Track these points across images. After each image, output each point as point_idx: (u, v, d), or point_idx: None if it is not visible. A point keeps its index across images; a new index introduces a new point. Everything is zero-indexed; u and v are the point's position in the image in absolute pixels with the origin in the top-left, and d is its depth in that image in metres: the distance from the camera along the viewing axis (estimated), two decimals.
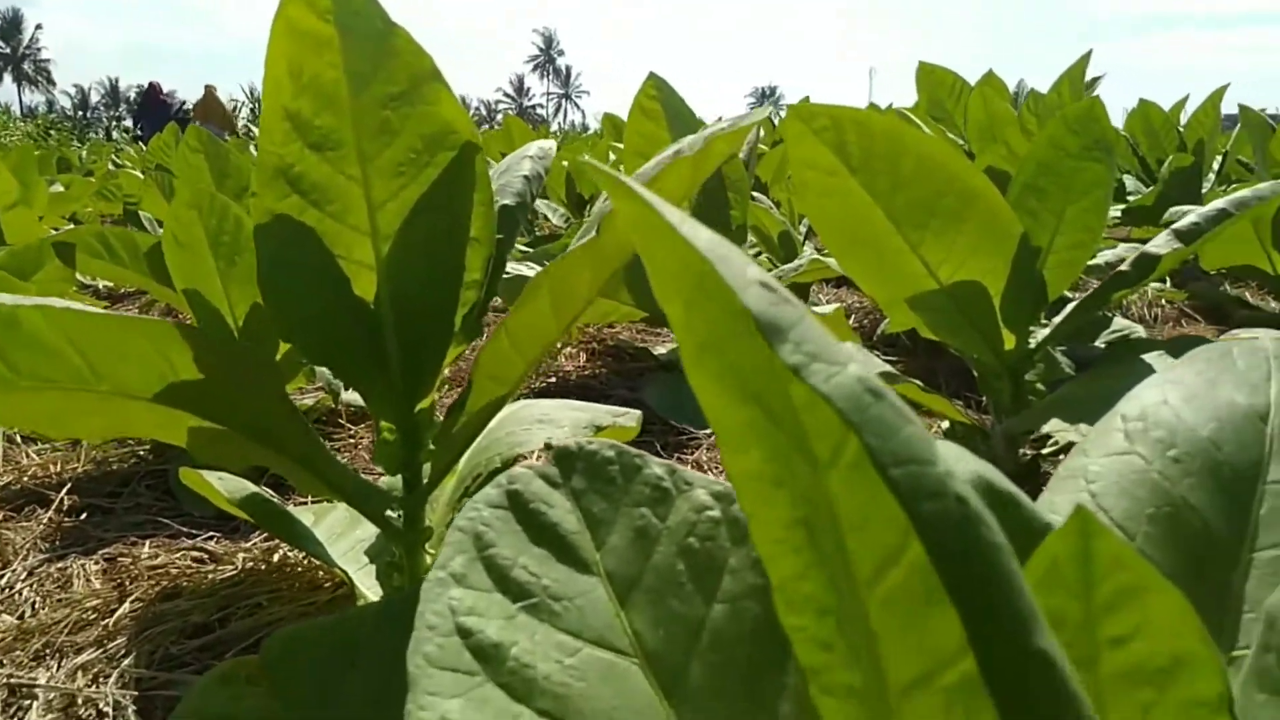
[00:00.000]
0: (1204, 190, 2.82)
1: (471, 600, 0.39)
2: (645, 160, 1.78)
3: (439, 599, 0.38)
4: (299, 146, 0.72)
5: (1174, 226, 1.05)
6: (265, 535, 1.07)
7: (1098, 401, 0.97)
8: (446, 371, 0.83)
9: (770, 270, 1.96)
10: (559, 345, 1.97)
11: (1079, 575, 0.26)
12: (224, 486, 0.85)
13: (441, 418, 0.79)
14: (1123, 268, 1.08)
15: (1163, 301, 2.36)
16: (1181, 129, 3.24)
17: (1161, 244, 1.05)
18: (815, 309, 1.74)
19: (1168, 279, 2.62)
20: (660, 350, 1.91)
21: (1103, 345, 1.43)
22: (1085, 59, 2.04)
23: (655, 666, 0.39)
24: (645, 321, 1.91)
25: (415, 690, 0.35)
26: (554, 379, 1.76)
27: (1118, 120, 3.78)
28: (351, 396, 1.54)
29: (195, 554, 1.03)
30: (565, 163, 3.71)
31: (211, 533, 1.09)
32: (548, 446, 0.45)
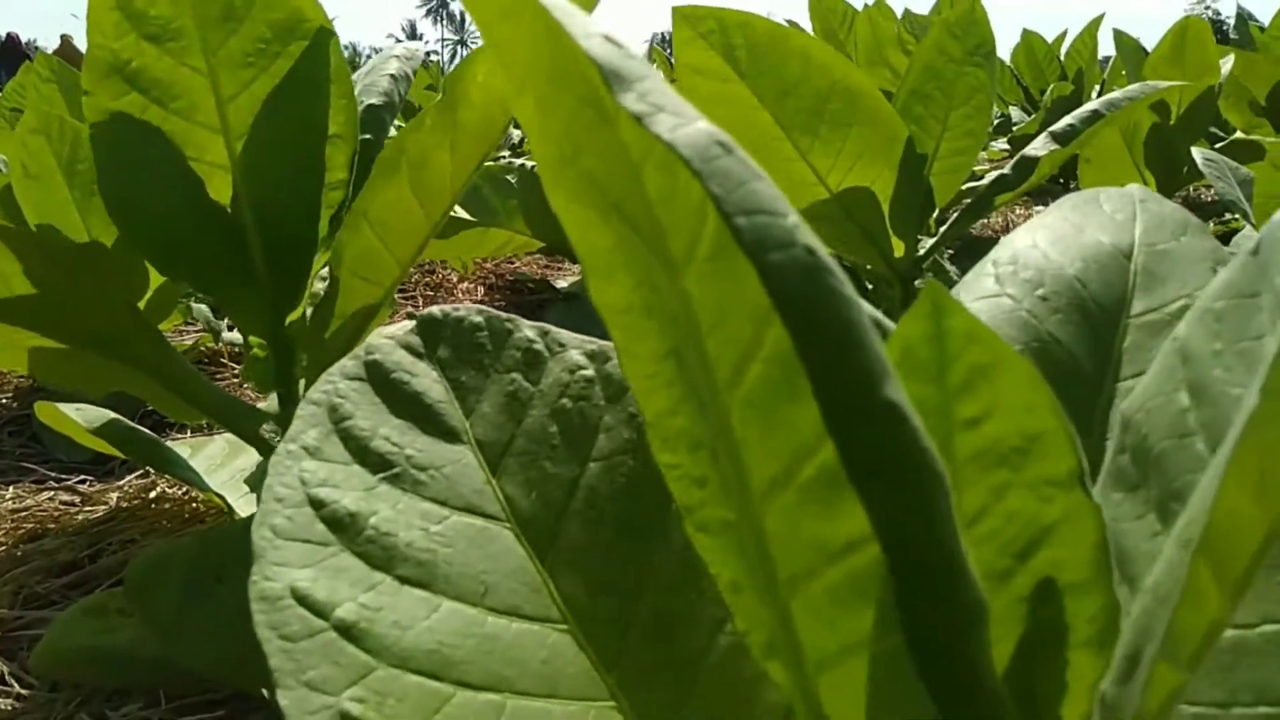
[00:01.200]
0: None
1: (326, 472, 0.36)
2: None
3: (288, 472, 0.35)
4: (134, 39, 0.65)
5: (1050, 129, 1.08)
6: (141, 473, 1.01)
7: None
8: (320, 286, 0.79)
9: None
10: (456, 280, 1.91)
11: (933, 355, 0.25)
12: (82, 417, 0.79)
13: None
14: (1004, 171, 1.10)
15: None
16: (1062, 59, 3.34)
17: (1040, 146, 1.08)
18: None
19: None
20: (562, 283, 1.88)
21: None
22: None
23: (528, 529, 0.37)
24: (544, 253, 1.87)
25: (261, 563, 0.32)
26: None
27: (1005, 55, 3.87)
28: (235, 336, 1.46)
29: (64, 496, 0.97)
30: None
31: (83, 476, 1.02)
32: (410, 316, 0.42)
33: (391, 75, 0.83)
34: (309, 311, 0.75)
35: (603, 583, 0.37)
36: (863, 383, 0.21)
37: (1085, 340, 0.39)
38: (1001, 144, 3.38)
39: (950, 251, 1.36)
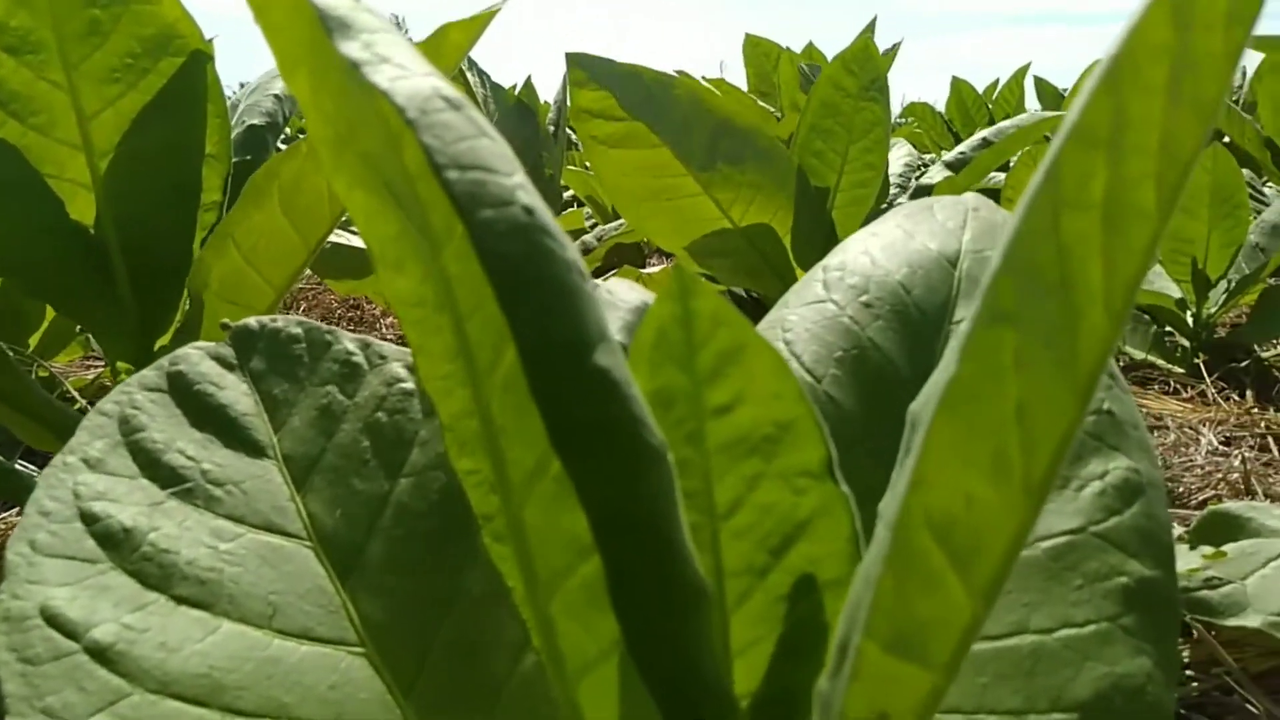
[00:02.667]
0: (1011, 162, 3.00)
1: (105, 485, 0.34)
2: None
3: (61, 485, 0.33)
4: None
5: (944, 158, 1.10)
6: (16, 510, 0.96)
7: None
8: None
9: (591, 231, 1.94)
10: (380, 313, 1.88)
11: (683, 339, 0.24)
12: None
13: None
14: (900, 200, 1.12)
15: None
16: (990, 106, 3.44)
17: (935, 174, 1.10)
18: (644, 270, 1.74)
19: None
20: None
21: None
22: (871, 24, 2.14)
23: (330, 548, 0.36)
24: None
25: (11, 580, 0.30)
26: None
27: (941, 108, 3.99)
28: None
29: None
30: None
31: None
32: (225, 326, 0.40)
33: (276, 95, 0.82)
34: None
35: (407, 603, 0.35)
36: (571, 347, 0.20)
37: (906, 346, 0.39)
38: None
39: None
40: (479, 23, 0.64)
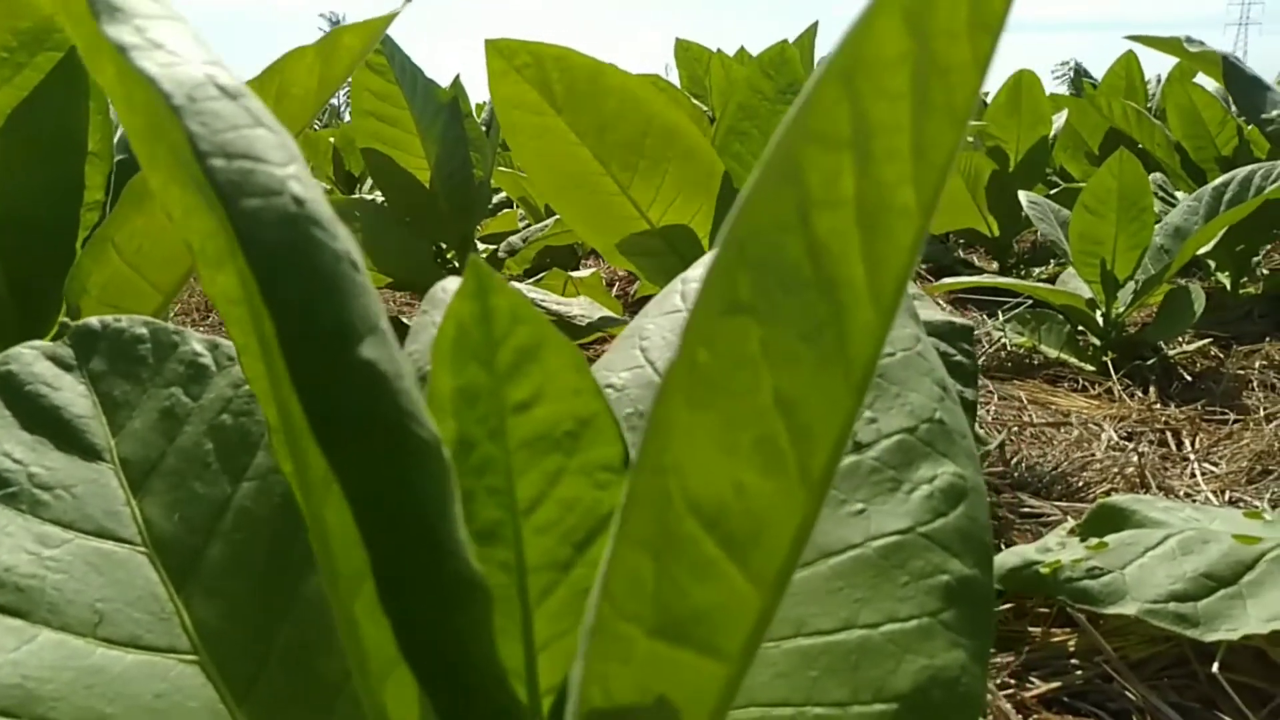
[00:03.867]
0: None
1: None
2: (376, 120, 1.68)
3: None
4: None
5: None
6: None
7: None
8: None
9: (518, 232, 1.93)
10: None
11: (483, 336, 0.24)
12: None
13: None
14: None
15: None
16: None
17: None
18: (574, 274, 1.73)
19: None
20: (410, 320, 1.84)
21: None
22: (813, 28, 2.17)
23: (166, 553, 0.35)
24: (393, 289, 1.83)
25: None
26: None
27: None
28: None
29: None
30: (332, 139, 3.52)
31: None
32: (64, 326, 0.39)
33: None
34: None
35: (245, 608, 0.34)
36: (336, 338, 0.20)
37: None
38: None
39: None
40: (374, 27, 0.64)
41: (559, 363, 0.24)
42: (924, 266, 2.54)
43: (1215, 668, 0.64)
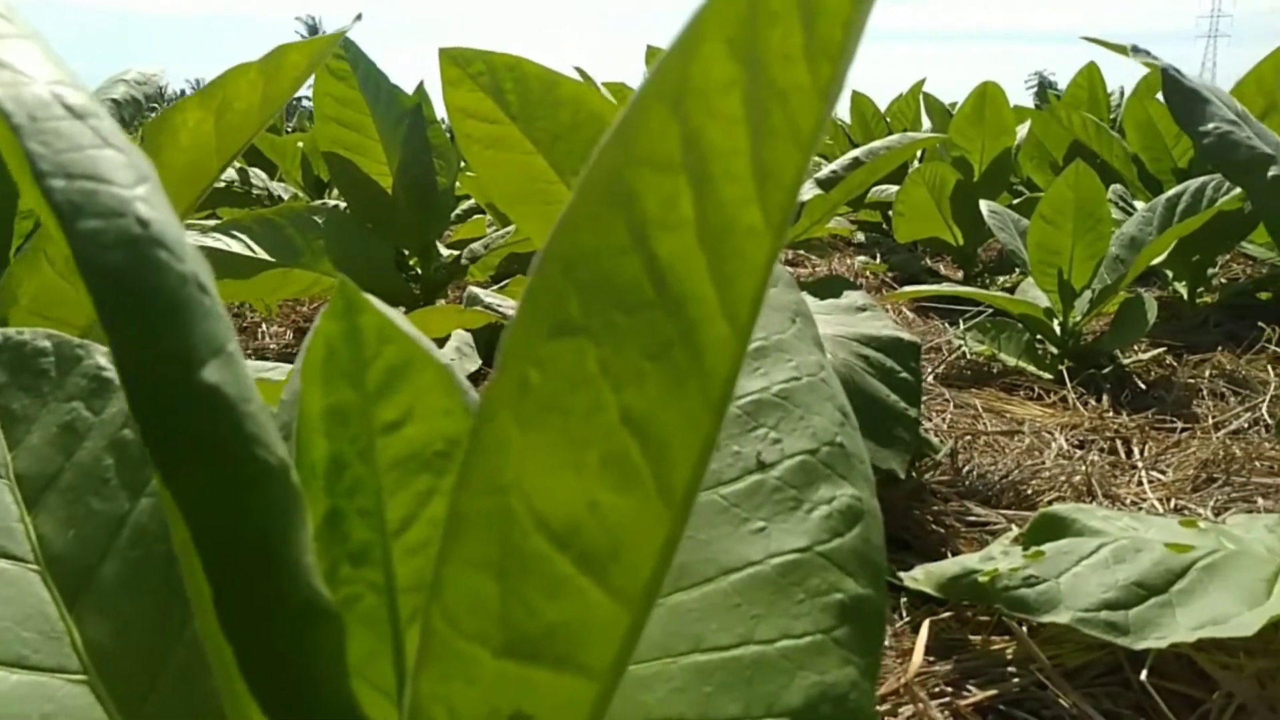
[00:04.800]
0: (909, 171, 3.08)
1: None
2: (338, 125, 1.68)
3: None
4: None
5: (815, 176, 1.12)
6: None
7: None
8: None
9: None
10: (259, 321, 1.83)
11: (351, 355, 0.24)
12: None
13: None
14: None
15: (867, 273, 2.56)
16: (889, 121, 3.54)
17: (805, 192, 1.12)
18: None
19: (878, 255, 2.86)
20: None
21: None
22: None
23: (58, 571, 0.34)
24: None
25: None
26: (250, 354, 1.63)
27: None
28: None
29: None
30: (300, 144, 3.50)
31: None
32: None
33: (115, 100, 0.79)
34: None
35: (139, 627, 0.34)
36: (177, 362, 0.20)
37: None
38: None
39: None
40: (320, 45, 0.63)
41: (428, 382, 0.24)
42: (890, 275, 2.56)
43: (1145, 675, 0.65)
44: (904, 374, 0.92)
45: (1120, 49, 0.72)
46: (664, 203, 0.19)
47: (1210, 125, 0.66)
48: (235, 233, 1.60)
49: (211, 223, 1.84)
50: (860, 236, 3.20)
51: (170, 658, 0.33)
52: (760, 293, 0.22)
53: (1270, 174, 0.64)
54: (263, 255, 1.56)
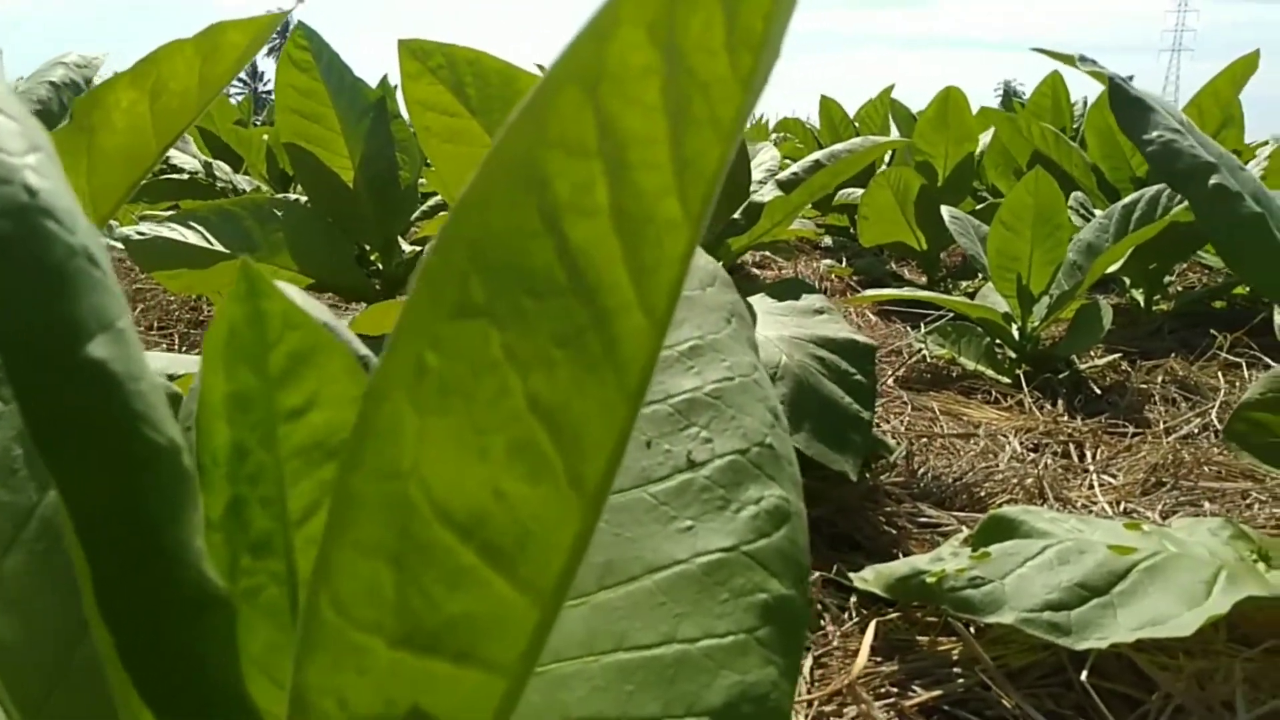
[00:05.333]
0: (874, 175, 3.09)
1: None
2: (300, 116, 1.66)
3: None
4: None
5: (776, 178, 1.12)
6: None
7: None
8: None
9: None
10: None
11: (255, 340, 0.23)
12: None
13: None
14: (734, 216, 1.14)
15: (833, 276, 2.58)
16: (858, 125, 3.57)
17: (765, 193, 1.12)
18: None
19: (844, 259, 2.87)
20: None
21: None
22: None
23: None
24: (314, 290, 1.79)
25: None
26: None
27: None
28: None
29: None
30: (265, 137, 3.45)
31: None
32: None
33: (53, 83, 0.77)
34: None
35: (42, 623, 0.33)
36: (61, 336, 0.19)
37: None
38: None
39: None
40: (261, 24, 0.62)
41: (335, 369, 0.24)
42: (855, 278, 2.58)
43: (1085, 676, 0.66)
44: (858, 376, 0.93)
45: (1069, 59, 0.73)
46: (578, 188, 0.19)
47: (1154, 134, 0.67)
48: (192, 223, 1.57)
49: (168, 213, 1.81)
50: (828, 240, 3.22)
51: (74, 656, 0.32)
52: (679, 285, 0.22)
53: (1211, 182, 0.65)
54: (218, 247, 1.53)
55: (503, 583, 0.22)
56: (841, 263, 2.75)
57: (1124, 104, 0.70)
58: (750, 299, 1.10)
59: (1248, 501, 1.03)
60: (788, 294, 1.10)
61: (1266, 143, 2.95)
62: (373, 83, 1.79)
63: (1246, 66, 2.07)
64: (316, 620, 0.19)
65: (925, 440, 1.20)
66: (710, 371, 0.40)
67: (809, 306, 1.04)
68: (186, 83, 0.63)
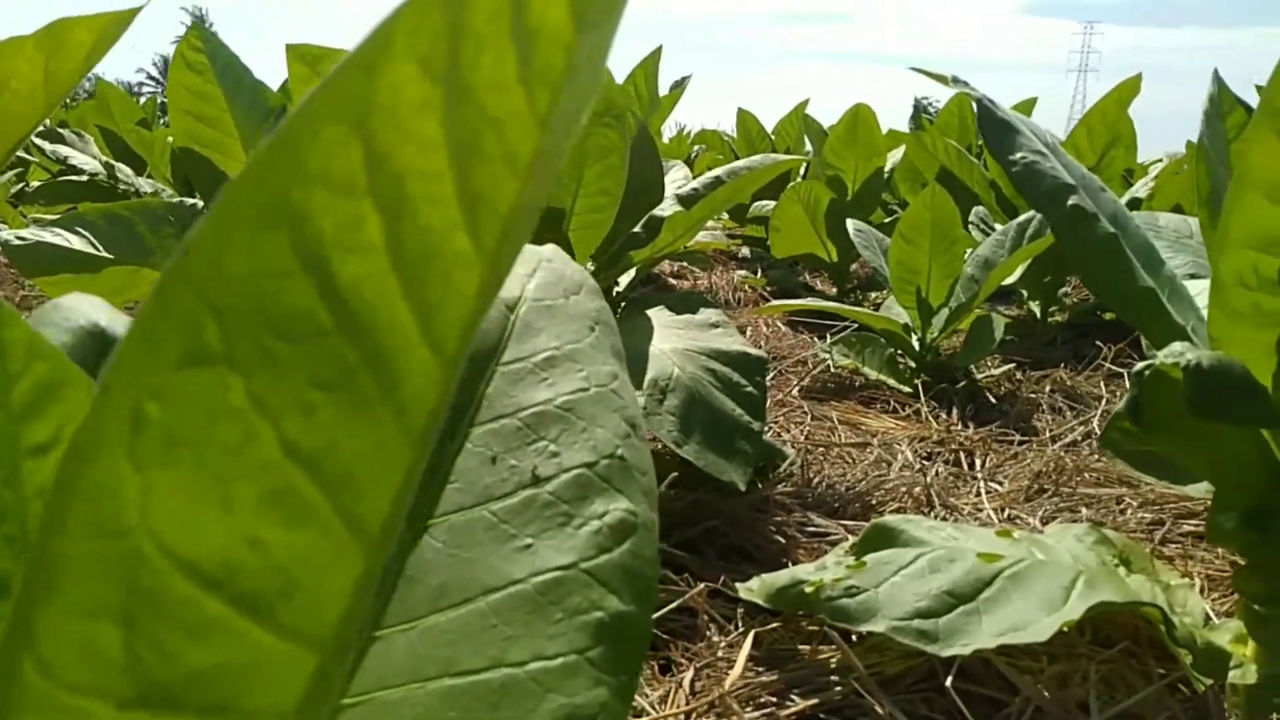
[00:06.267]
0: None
1: None
2: (194, 119, 1.61)
3: None
4: None
5: (676, 193, 1.13)
6: None
7: None
8: None
9: None
10: None
11: None
12: None
13: None
14: (635, 230, 1.14)
15: (746, 286, 2.61)
16: (773, 138, 3.63)
17: (666, 207, 1.13)
18: None
19: (759, 270, 2.91)
20: None
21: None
22: (657, 52, 2.22)
23: None
24: None
25: None
26: None
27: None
28: None
29: None
30: (170, 139, 3.33)
31: None
32: None
33: None
34: None
35: None
36: None
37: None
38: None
39: None
40: (107, 21, 0.60)
41: (82, 403, 0.23)
42: (769, 289, 2.62)
43: (950, 681, 0.68)
44: (749, 388, 0.94)
45: (942, 79, 0.75)
46: (345, 226, 0.19)
47: (1018, 155, 0.69)
48: (79, 228, 1.51)
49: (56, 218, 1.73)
50: (745, 251, 3.26)
51: None
52: (473, 320, 0.22)
53: (1070, 203, 0.68)
54: (104, 253, 1.48)
55: (260, 631, 0.21)
56: (756, 274, 2.79)
57: (990, 125, 0.73)
58: (649, 311, 1.11)
59: (1121, 507, 1.08)
60: (685, 307, 1.11)
61: (1160, 160, 3.10)
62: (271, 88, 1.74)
63: (1131, 88, 2.17)
64: (18, 685, 0.18)
65: (822, 450, 1.22)
66: (564, 383, 0.40)
67: (705, 320, 1.05)
68: (30, 80, 0.60)
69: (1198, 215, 0.75)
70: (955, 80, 0.77)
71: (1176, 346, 0.58)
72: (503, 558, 0.34)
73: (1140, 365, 0.60)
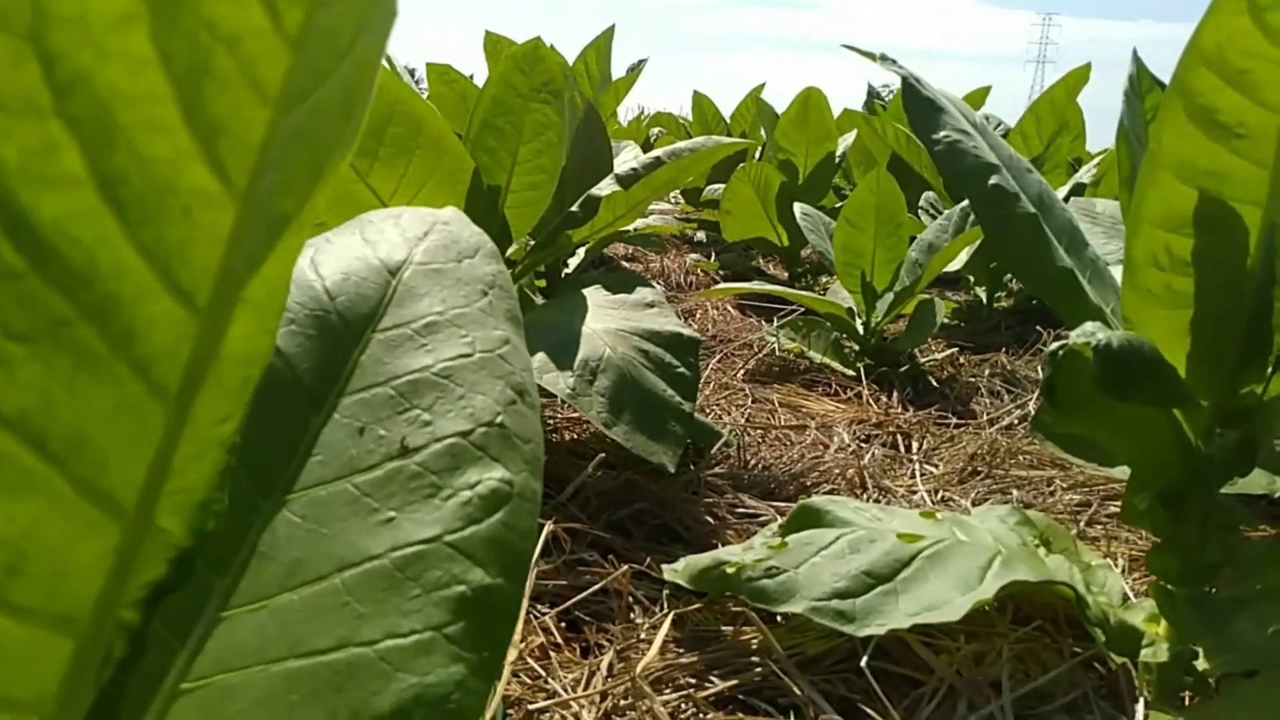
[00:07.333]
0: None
1: None
2: None
3: None
4: None
5: (615, 173, 1.12)
6: None
7: (548, 327, 1.00)
8: None
9: None
10: None
11: None
12: None
13: None
14: (572, 209, 1.12)
15: (699, 270, 2.60)
16: (729, 122, 3.62)
17: (604, 187, 1.11)
18: None
19: (713, 254, 2.91)
20: None
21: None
22: (609, 31, 2.20)
23: None
24: None
25: None
26: None
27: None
28: None
29: None
30: None
31: None
32: None
33: None
34: None
35: None
36: None
37: (315, 353, 0.37)
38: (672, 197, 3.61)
39: None
40: None
41: None
42: (721, 272, 2.61)
43: (865, 661, 0.68)
44: (681, 369, 0.93)
45: (871, 55, 0.75)
46: (33, 155, 0.17)
47: (941, 134, 0.69)
48: None
49: None
50: (701, 235, 3.25)
51: None
52: (228, 265, 0.20)
53: (990, 183, 0.68)
54: None
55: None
56: (710, 258, 2.79)
57: (915, 103, 0.72)
58: (585, 290, 1.10)
59: (1051, 489, 1.09)
60: (622, 287, 1.09)
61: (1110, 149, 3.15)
62: None
63: (1079, 77, 2.19)
64: None
65: (761, 432, 1.22)
66: (445, 349, 0.38)
67: (640, 300, 1.04)
68: None
69: (1119, 197, 0.75)
70: (884, 58, 0.77)
71: (1088, 326, 0.58)
72: (362, 532, 0.33)
73: (1053, 345, 0.60)
